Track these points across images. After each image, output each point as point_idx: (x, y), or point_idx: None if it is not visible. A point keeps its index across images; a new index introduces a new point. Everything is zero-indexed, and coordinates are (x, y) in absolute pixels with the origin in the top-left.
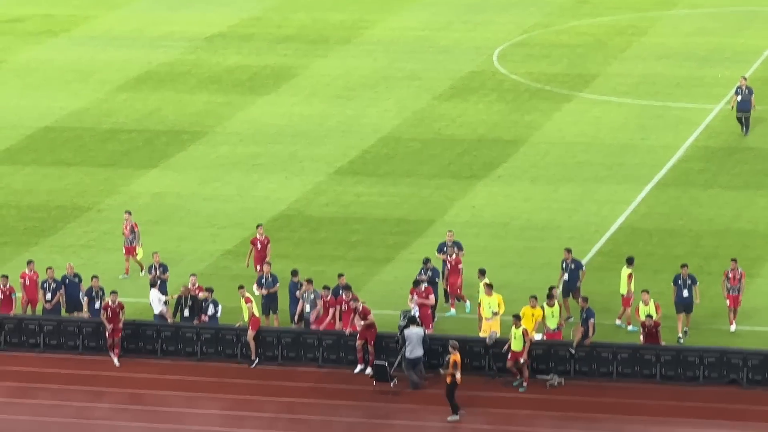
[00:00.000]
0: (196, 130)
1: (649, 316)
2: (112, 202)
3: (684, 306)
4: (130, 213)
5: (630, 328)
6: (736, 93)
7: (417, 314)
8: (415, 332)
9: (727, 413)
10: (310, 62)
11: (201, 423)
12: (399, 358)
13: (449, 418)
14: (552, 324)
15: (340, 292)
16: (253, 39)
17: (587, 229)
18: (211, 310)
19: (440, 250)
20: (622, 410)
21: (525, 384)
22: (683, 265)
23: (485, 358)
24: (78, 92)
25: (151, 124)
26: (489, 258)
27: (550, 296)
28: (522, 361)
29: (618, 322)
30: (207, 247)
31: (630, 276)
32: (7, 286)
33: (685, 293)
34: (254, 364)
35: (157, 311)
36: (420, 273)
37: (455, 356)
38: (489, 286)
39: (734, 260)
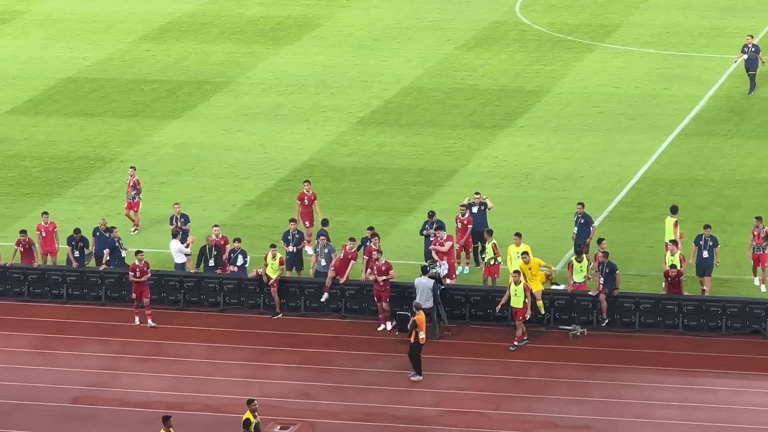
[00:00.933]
0: (219, 81)
1: (672, 266)
2: (135, 153)
3: (703, 268)
4: (134, 168)
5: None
6: (743, 51)
7: (442, 268)
8: (423, 283)
9: (750, 364)
10: (333, 12)
11: (224, 374)
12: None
13: (412, 378)
14: (579, 278)
15: (368, 242)
16: None
17: (609, 179)
18: (240, 261)
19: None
20: (645, 360)
21: (516, 343)
22: (706, 226)
23: (508, 308)
24: (101, 43)
25: (174, 75)
26: (511, 208)
27: (578, 252)
28: (527, 317)
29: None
30: (229, 197)
31: (676, 224)
32: (27, 239)
33: (705, 254)
34: (277, 317)
35: (179, 261)
36: (424, 227)
37: (419, 316)
38: (525, 254)
39: (758, 218)
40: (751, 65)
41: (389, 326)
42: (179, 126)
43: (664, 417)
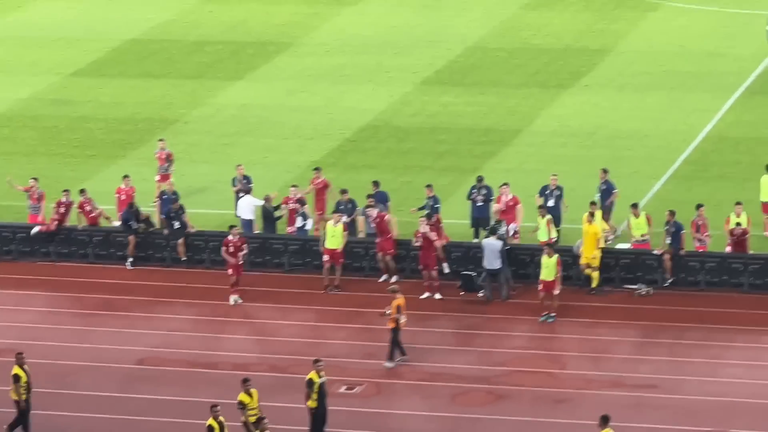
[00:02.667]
0: (283, 41)
1: (738, 224)
2: (199, 114)
3: None
4: (164, 140)
5: None
6: None
7: (508, 228)
8: (489, 243)
9: None
10: None
11: (289, 335)
12: (483, 273)
13: (384, 364)
14: (637, 233)
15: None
16: None
17: (674, 138)
18: (299, 222)
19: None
20: (710, 319)
21: (554, 315)
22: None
23: (572, 268)
24: (164, 4)
25: (237, 36)
26: (576, 167)
27: (634, 206)
28: (556, 292)
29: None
30: (294, 158)
31: None
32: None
33: None
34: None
35: (246, 218)
36: (472, 191)
37: (399, 300)
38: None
39: None
40: None
41: (437, 295)
42: (242, 87)
43: (730, 376)
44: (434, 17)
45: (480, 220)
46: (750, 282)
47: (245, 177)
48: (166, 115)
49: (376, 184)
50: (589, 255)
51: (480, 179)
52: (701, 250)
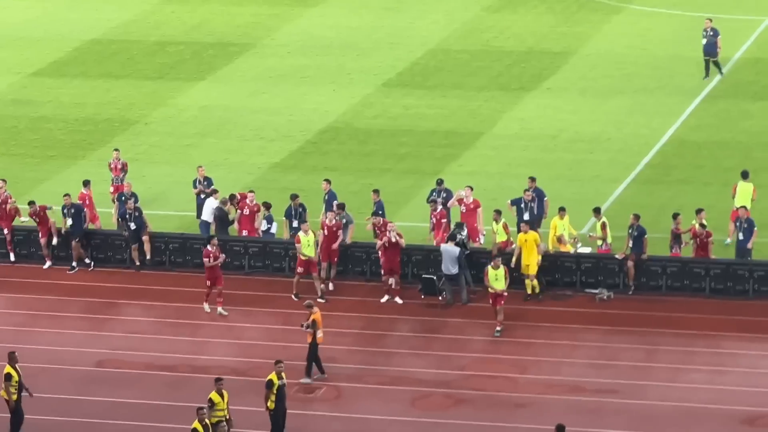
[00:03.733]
0: (244, 42)
1: (702, 225)
2: (160, 115)
3: (738, 251)
4: (118, 150)
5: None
6: (704, 36)
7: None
8: (447, 249)
9: None
10: None
11: (250, 338)
12: (442, 276)
13: (301, 380)
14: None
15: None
16: None
17: (637, 142)
18: (264, 226)
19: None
20: (671, 324)
21: (499, 329)
22: (740, 207)
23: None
24: (125, 4)
25: (199, 37)
26: (538, 170)
27: (597, 210)
28: (501, 304)
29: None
30: (255, 159)
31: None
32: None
33: (741, 236)
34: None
35: (207, 219)
36: (431, 194)
37: (315, 315)
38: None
39: None
40: (709, 50)
41: (399, 300)
42: (204, 88)
43: (691, 381)
44: (396, 19)
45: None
46: (711, 287)
47: (206, 178)
48: (127, 116)
49: (440, 182)
50: (530, 263)
51: (440, 182)
52: (674, 255)
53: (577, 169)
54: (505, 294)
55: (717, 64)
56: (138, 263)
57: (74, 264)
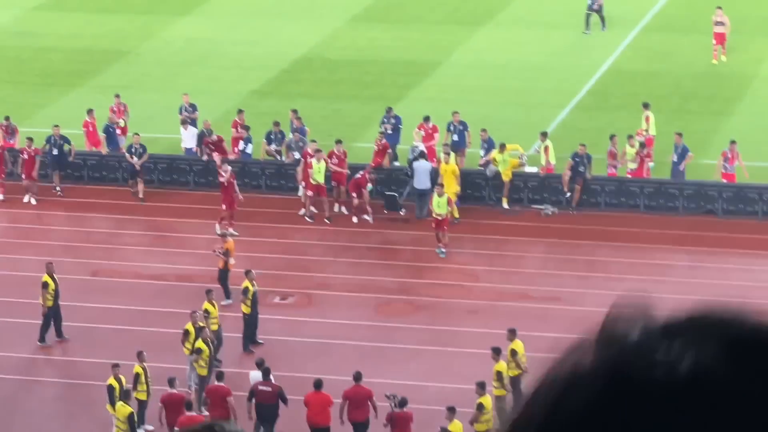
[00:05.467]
0: None
1: (641, 144)
2: (150, 46)
3: (673, 172)
4: (119, 96)
5: None
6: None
7: (424, 149)
8: (422, 165)
9: (704, 240)
10: None
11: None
12: (408, 188)
13: (222, 302)
14: (502, 167)
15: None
16: None
17: (578, 71)
18: (242, 146)
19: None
20: (609, 237)
21: (444, 250)
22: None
23: (485, 189)
24: None
25: None
26: (489, 97)
27: (544, 134)
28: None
29: None
30: (235, 87)
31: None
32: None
33: (675, 158)
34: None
35: (187, 146)
36: (382, 121)
37: (228, 244)
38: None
39: (733, 142)
40: (592, 5)
41: (369, 217)
42: (190, 22)
43: (626, 289)
44: None
45: (391, 146)
46: (645, 203)
47: (191, 105)
48: (120, 47)
49: (389, 109)
50: (450, 192)
51: (389, 110)
52: (610, 175)
53: (524, 96)
54: (447, 218)
55: (600, 16)
56: (141, 196)
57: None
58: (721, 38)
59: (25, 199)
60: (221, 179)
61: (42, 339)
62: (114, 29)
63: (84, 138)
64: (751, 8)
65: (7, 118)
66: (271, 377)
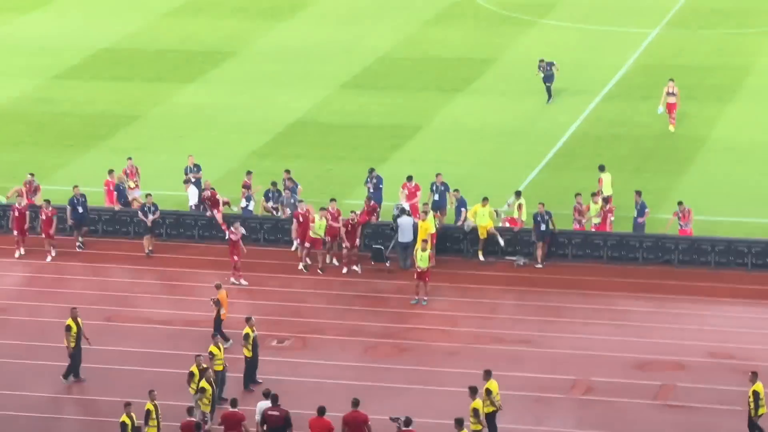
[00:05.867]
0: (227, 51)
1: (605, 199)
2: (159, 112)
3: (634, 226)
4: (131, 158)
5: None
6: (539, 69)
7: (407, 207)
8: (406, 221)
9: (662, 288)
10: None
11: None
12: (393, 242)
13: (225, 345)
14: (483, 221)
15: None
16: None
17: (547, 134)
18: (244, 203)
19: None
20: (576, 286)
21: (426, 299)
22: (637, 192)
23: (463, 242)
24: (130, 19)
25: (190, 46)
26: (467, 158)
27: (518, 193)
28: (427, 279)
29: None
30: (236, 148)
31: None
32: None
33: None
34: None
35: (192, 203)
36: (366, 181)
37: (220, 295)
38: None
39: (680, 203)
40: (548, 80)
41: (358, 268)
42: (195, 89)
43: (592, 333)
44: (352, 32)
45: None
46: (608, 254)
47: (195, 165)
48: (131, 112)
49: (371, 170)
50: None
51: (371, 170)
52: (576, 229)
53: (499, 157)
54: (429, 272)
55: (549, 91)
56: (151, 248)
57: (80, 243)
58: (672, 108)
59: (48, 259)
60: (233, 237)
61: (66, 377)
62: (126, 96)
63: (104, 195)
64: (701, 78)
65: (31, 175)
66: (279, 403)
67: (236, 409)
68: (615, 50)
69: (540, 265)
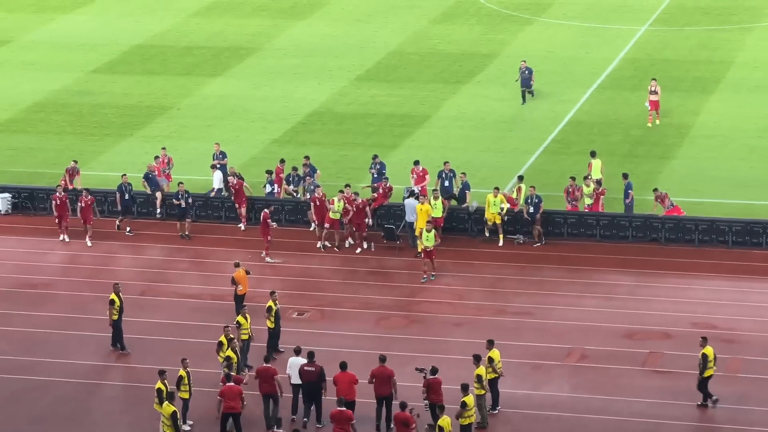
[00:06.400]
0: (251, 47)
1: (597, 182)
2: (188, 103)
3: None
4: (165, 148)
5: None
6: (520, 73)
7: (418, 189)
8: (410, 202)
9: (649, 264)
10: None
11: (256, 273)
12: (402, 222)
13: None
14: (494, 209)
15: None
16: None
17: (545, 122)
18: (268, 188)
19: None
20: (571, 262)
21: (434, 274)
22: (625, 175)
23: (468, 222)
24: (162, 18)
25: (217, 42)
26: (470, 144)
27: (521, 177)
28: (432, 257)
29: None
30: (259, 136)
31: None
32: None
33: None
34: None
35: (217, 187)
36: (371, 167)
37: (236, 273)
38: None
39: (655, 189)
40: (525, 84)
41: (368, 245)
42: (221, 82)
43: (587, 305)
44: (365, 29)
45: (376, 187)
46: (601, 233)
47: (222, 152)
48: (163, 104)
49: (375, 156)
50: (421, 226)
51: (375, 157)
52: (570, 210)
53: (500, 143)
54: (435, 251)
55: (530, 92)
56: (188, 233)
57: (129, 229)
58: (655, 105)
59: (88, 243)
60: (267, 219)
61: (114, 345)
62: (158, 88)
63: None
64: (686, 71)
65: (75, 161)
66: (314, 360)
67: (269, 365)
68: (606, 45)
69: (538, 243)
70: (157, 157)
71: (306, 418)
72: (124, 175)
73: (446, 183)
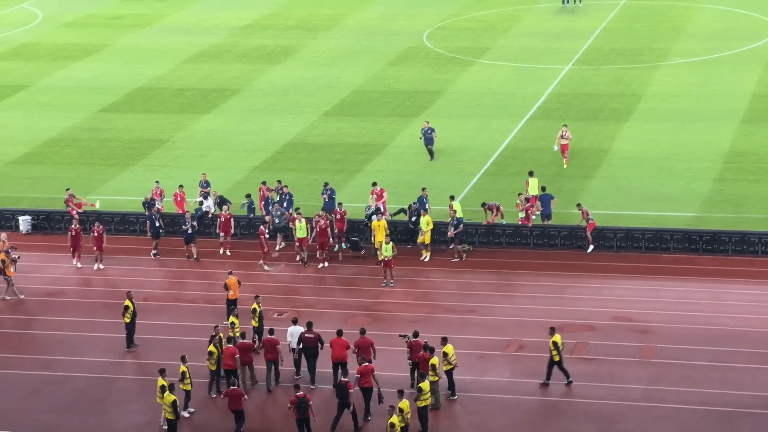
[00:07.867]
0: (235, 88)
1: (526, 198)
2: (182, 136)
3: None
4: (158, 182)
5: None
6: (422, 133)
7: (381, 206)
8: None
9: (575, 267)
10: (307, 42)
11: (244, 279)
12: (366, 235)
13: (224, 323)
14: (425, 227)
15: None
16: (270, 28)
17: (485, 148)
18: (248, 211)
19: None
20: (508, 266)
21: (392, 282)
22: (542, 188)
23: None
24: (159, 65)
25: (206, 85)
26: (422, 169)
27: (452, 197)
28: (391, 266)
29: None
30: (242, 164)
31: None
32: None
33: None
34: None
35: (204, 209)
36: (322, 192)
37: (228, 280)
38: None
39: (579, 204)
40: (428, 142)
41: (326, 264)
42: (209, 118)
43: (522, 303)
44: (331, 71)
45: (329, 210)
46: (534, 242)
47: (206, 181)
48: (160, 137)
49: (326, 183)
50: (381, 239)
51: (326, 184)
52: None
53: (446, 167)
54: (393, 260)
55: (430, 151)
56: (195, 257)
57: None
58: (565, 148)
59: (95, 267)
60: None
61: (129, 345)
62: (156, 124)
63: (174, 204)
64: (604, 102)
65: (68, 189)
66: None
67: (272, 336)
68: (536, 82)
69: (457, 259)
70: (181, 186)
71: (299, 375)
72: (153, 205)
73: (427, 205)
